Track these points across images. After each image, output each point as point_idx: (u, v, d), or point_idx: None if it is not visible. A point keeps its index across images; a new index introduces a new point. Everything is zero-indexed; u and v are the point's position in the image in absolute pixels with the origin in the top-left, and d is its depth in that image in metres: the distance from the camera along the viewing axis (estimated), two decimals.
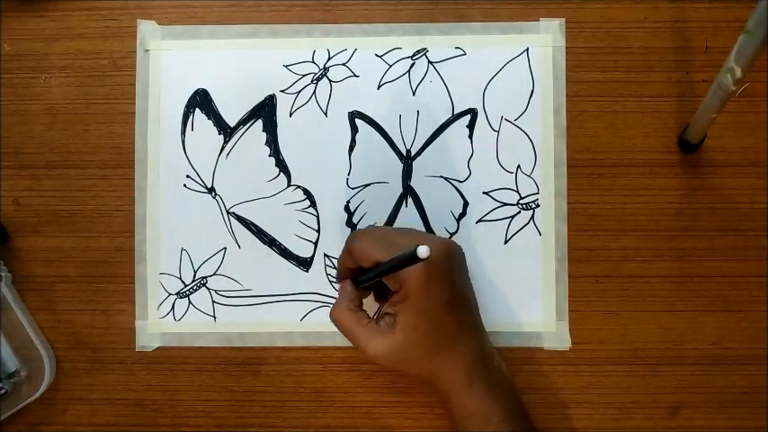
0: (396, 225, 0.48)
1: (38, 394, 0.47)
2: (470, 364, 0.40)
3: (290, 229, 0.48)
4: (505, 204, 0.48)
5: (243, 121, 0.48)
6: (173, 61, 0.48)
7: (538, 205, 0.47)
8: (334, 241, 0.48)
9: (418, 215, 0.48)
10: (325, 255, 0.48)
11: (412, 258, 0.33)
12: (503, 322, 0.47)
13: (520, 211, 0.47)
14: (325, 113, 0.48)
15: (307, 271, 0.48)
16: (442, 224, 0.48)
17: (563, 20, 0.48)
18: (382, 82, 0.48)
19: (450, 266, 0.39)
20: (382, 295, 0.45)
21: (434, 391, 0.42)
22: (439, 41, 0.48)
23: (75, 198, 0.48)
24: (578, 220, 0.47)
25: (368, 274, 0.40)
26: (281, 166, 0.48)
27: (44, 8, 0.49)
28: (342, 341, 0.47)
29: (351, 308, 0.41)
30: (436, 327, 0.39)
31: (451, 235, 0.48)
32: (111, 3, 0.49)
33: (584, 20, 0.48)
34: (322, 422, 0.48)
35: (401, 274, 0.38)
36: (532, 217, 0.47)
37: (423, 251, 0.32)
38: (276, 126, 0.48)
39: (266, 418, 0.48)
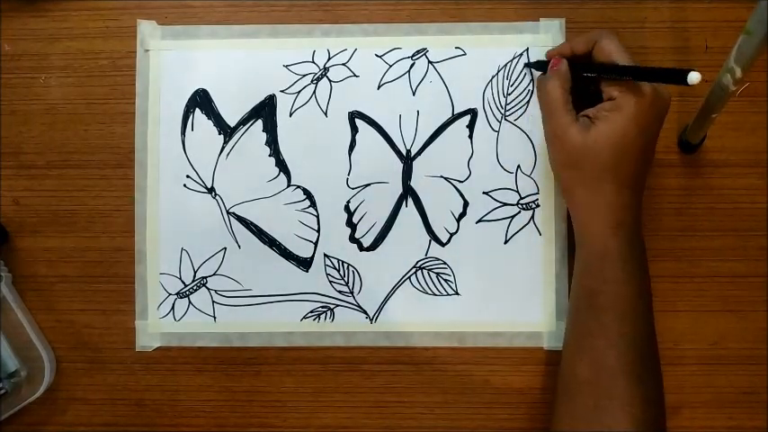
0: (396, 225, 0.48)
1: (38, 394, 0.47)
2: (626, 209, 0.39)
3: (290, 229, 0.48)
4: (505, 204, 0.48)
5: (243, 121, 0.48)
6: (173, 61, 0.48)
7: (538, 205, 0.47)
8: (335, 241, 0.48)
9: (418, 215, 0.48)
10: (325, 255, 0.48)
11: (676, 76, 0.33)
12: (503, 322, 0.47)
13: (520, 211, 0.47)
14: (325, 113, 0.48)
15: (307, 271, 0.48)
16: (442, 224, 0.48)
17: (563, 20, 0.48)
18: (382, 82, 0.48)
19: (665, 115, 0.40)
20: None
21: (574, 218, 0.42)
22: (439, 41, 0.48)
23: (75, 198, 0.49)
24: None
25: (604, 68, 0.40)
26: (281, 166, 0.48)
27: (44, 8, 0.49)
28: (341, 341, 0.48)
29: (564, 87, 0.41)
30: (625, 155, 0.38)
31: (451, 235, 0.48)
32: (111, 3, 0.49)
33: (584, 20, 0.48)
34: (322, 422, 0.48)
35: (631, 87, 0.38)
36: (532, 217, 0.47)
37: (694, 77, 0.32)
38: (276, 126, 0.48)
39: (266, 418, 0.48)
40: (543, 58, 0.47)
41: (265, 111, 0.48)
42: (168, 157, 0.48)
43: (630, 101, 0.38)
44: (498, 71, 0.48)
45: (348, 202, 0.48)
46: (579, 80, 0.42)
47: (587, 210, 0.41)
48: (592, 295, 0.40)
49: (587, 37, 0.42)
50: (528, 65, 0.47)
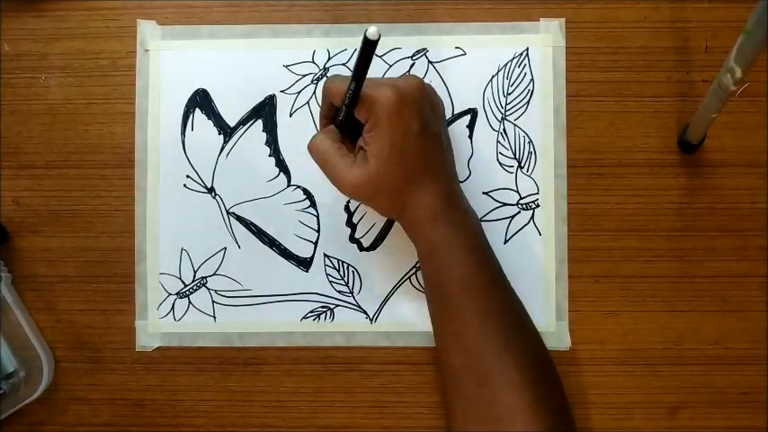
0: (396, 225, 0.48)
1: (36, 395, 0.47)
2: (437, 201, 0.40)
3: (290, 229, 0.48)
4: (505, 204, 0.48)
5: (243, 121, 0.48)
6: (173, 61, 0.48)
7: (538, 205, 0.47)
8: (335, 241, 0.48)
9: None
10: (325, 255, 0.48)
11: (366, 44, 0.33)
12: None
13: (520, 211, 0.47)
14: None
15: (307, 271, 0.48)
16: None
17: (563, 20, 0.48)
18: None
19: (422, 102, 0.39)
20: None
21: (403, 227, 0.42)
22: (439, 41, 0.48)
23: (75, 198, 0.48)
24: (578, 220, 0.47)
25: (332, 105, 0.40)
26: (281, 166, 0.48)
27: (44, 8, 0.49)
28: (341, 341, 0.48)
29: (331, 137, 0.40)
30: (406, 158, 0.39)
31: None
32: (111, 3, 0.49)
33: (584, 20, 0.48)
34: (322, 422, 0.48)
35: (372, 101, 0.38)
36: (532, 217, 0.47)
37: (372, 31, 0.32)
38: (276, 126, 0.48)
39: (266, 418, 0.48)
40: (542, 57, 0.47)
41: (265, 111, 0.48)
42: (168, 157, 0.48)
43: (376, 112, 0.38)
44: (498, 71, 0.48)
45: (348, 202, 0.48)
46: (356, 127, 0.41)
47: (404, 217, 0.41)
48: (435, 286, 0.41)
49: (324, 99, 0.41)
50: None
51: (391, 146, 0.38)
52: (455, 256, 0.40)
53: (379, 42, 0.46)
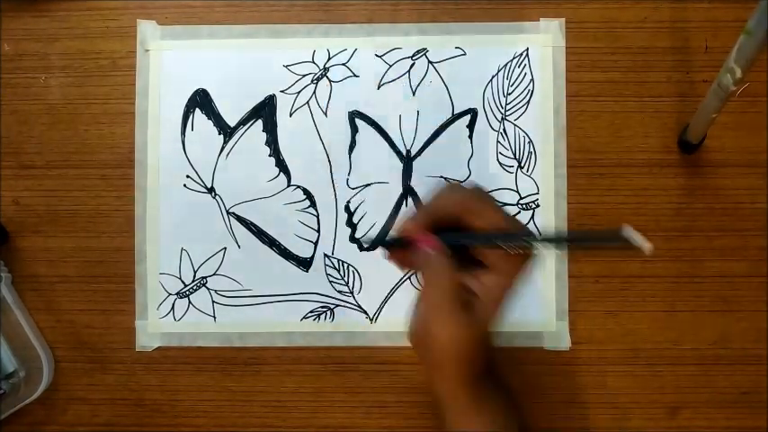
0: (396, 225, 0.48)
1: (36, 395, 0.47)
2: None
3: (290, 229, 0.48)
4: (505, 204, 0.48)
5: (243, 121, 0.48)
6: (173, 61, 0.48)
7: (538, 205, 0.47)
8: (334, 241, 0.48)
9: None
10: (325, 255, 0.48)
11: (612, 237, 0.27)
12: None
13: (520, 211, 0.47)
14: (325, 113, 0.48)
15: (307, 271, 0.48)
16: None
17: (563, 20, 0.48)
18: (382, 82, 0.48)
19: None
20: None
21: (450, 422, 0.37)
22: (439, 41, 0.48)
23: (76, 198, 0.48)
24: (578, 220, 0.47)
25: (496, 237, 0.32)
26: (281, 166, 0.48)
27: (44, 8, 0.49)
28: (341, 341, 0.47)
29: (453, 277, 0.32)
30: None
31: None
32: (111, 3, 0.49)
33: (584, 20, 0.48)
34: (322, 422, 0.48)
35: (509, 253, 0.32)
36: (532, 217, 0.47)
37: (641, 242, 0.26)
38: (276, 126, 0.48)
39: (266, 418, 0.48)
40: (542, 57, 0.47)
41: (265, 111, 0.48)
42: (168, 157, 0.48)
43: (511, 263, 0.32)
44: (498, 71, 0.48)
45: (348, 202, 0.48)
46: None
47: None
48: None
49: (451, 200, 0.34)
50: (386, 243, 0.37)
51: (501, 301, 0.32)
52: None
53: (379, 42, 0.46)
